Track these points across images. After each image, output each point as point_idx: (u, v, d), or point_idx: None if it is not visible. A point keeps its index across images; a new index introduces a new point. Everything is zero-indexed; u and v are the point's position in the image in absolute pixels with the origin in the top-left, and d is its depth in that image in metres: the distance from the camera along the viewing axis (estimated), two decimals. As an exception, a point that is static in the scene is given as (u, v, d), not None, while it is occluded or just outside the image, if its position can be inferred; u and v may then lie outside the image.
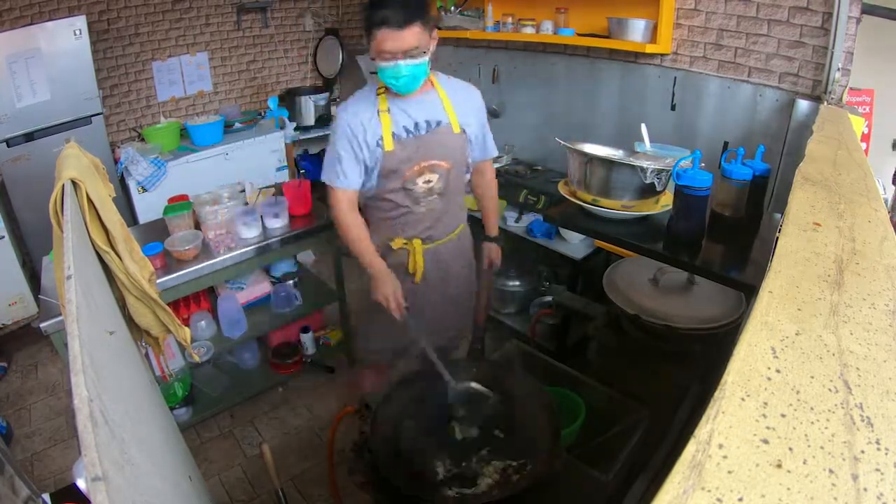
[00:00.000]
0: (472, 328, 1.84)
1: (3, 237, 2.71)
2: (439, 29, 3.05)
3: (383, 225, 1.67)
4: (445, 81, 1.62)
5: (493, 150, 1.77)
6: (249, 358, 2.57)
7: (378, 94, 1.53)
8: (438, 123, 1.55)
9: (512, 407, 1.25)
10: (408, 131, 1.53)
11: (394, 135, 1.51)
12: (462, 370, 1.34)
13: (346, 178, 1.55)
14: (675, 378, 1.39)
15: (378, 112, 1.52)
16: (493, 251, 1.84)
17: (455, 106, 1.58)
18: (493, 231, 1.85)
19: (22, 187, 2.76)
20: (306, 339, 2.58)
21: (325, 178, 1.59)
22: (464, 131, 1.59)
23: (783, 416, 0.42)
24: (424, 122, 1.54)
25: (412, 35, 1.36)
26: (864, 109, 1.88)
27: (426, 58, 1.43)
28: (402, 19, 1.34)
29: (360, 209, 1.64)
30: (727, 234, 1.34)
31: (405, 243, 1.65)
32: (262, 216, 2.20)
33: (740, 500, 0.35)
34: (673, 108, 2.31)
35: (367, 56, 3.76)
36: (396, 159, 1.52)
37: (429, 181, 1.58)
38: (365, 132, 1.51)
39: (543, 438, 1.13)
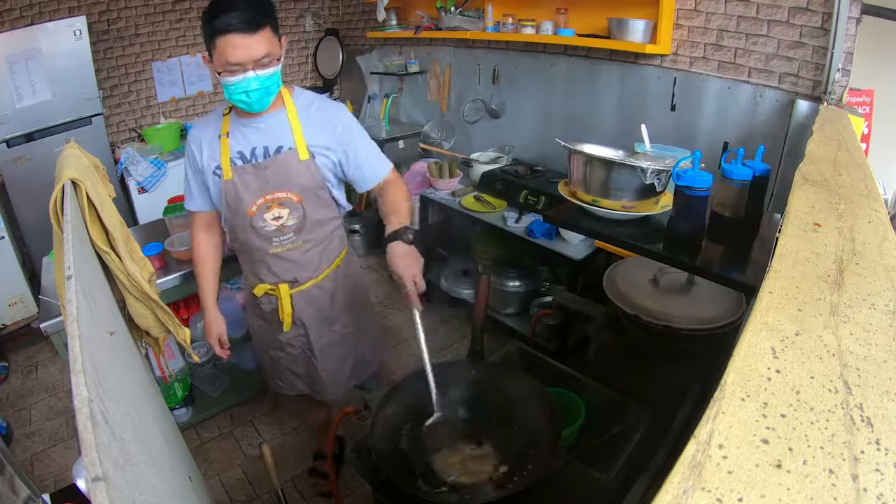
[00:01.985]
0: (471, 330, 1.83)
1: (3, 237, 2.71)
2: (438, 30, 3.07)
3: (245, 268, 1.56)
4: (301, 97, 1.41)
5: (383, 167, 1.47)
6: (249, 358, 2.57)
7: (224, 115, 1.39)
8: (279, 149, 1.36)
9: (512, 407, 1.24)
10: (244, 158, 1.37)
11: (231, 161, 1.36)
12: (462, 373, 1.33)
13: (192, 200, 1.50)
14: (675, 378, 1.39)
15: (219, 136, 1.38)
16: (397, 257, 1.24)
17: (305, 126, 1.37)
18: (393, 225, 1.32)
19: (22, 187, 2.76)
20: (306, 339, 2.58)
21: (187, 204, 1.54)
22: (313, 156, 1.37)
23: (783, 416, 0.42)
24: (262, 147, 1.36)
25: (262, 40, 1.19)
26: (864, 110, 1.88)
27: (278, 67, 1.27)
28: (251, 23, 1.16)
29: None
30: (727, 234, 1.33)
31: (271, 289, 1.51)
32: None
33: (740, 500, 0.35)
34: (673, 108, 2.31)
35: (367, 57, 3.77)
36: (236, 190, 1.37)
37: (278, 217, 1.40)
38: (202, 155, 1.41)
39: (544, 439, 1.13)
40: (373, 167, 1.45)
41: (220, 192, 1.40)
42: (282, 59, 1.28)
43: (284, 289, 1.50)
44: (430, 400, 1.21)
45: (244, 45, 1.18)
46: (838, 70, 1.78)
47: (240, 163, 1.37)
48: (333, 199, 1.48)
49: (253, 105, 1.28)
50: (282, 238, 1.43)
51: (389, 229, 1.31)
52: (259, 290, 1.52)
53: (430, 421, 1.21)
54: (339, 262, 1.58)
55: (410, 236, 1.28)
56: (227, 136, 1.37)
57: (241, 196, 1.38)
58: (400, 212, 1.36)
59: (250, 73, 1.22)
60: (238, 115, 1.37)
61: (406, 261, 1.23)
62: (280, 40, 1.27)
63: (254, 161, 1.37)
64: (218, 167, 1.38)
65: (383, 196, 1.45)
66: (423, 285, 1.23)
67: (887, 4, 1.81)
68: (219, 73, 1.23)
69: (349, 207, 1.56)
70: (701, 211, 1.30)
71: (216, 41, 1.18)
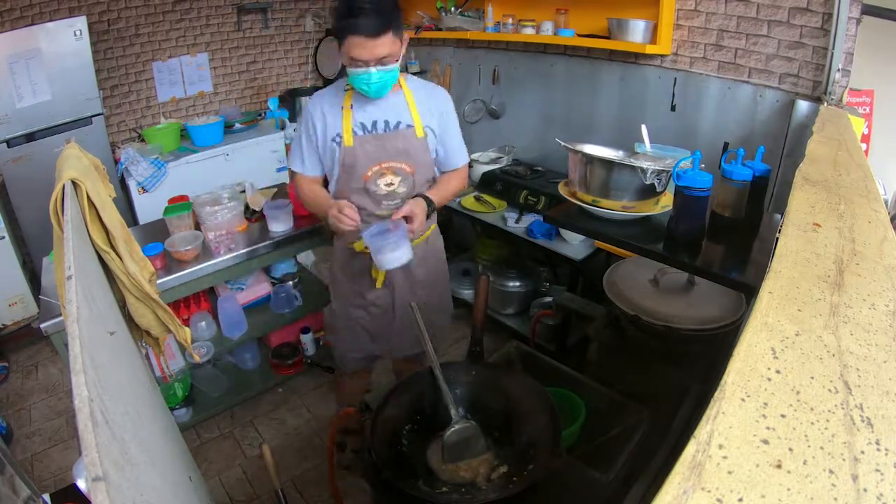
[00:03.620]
0: (471, 330, 1.83)
1: (3, 237, 2.71)
2: (439, 30, 3.07)
3: None
4: (413, 82, 1.60)
5: (462, 158, 1.71)
6: (249, 358, 2.57)
7: (345, 90, 1.53)
8: (398, 125, 1.54)
9: (512, 408, 1.24)
10: (365, 129, 1.52)
11: (353, 131, 1.51)
12: (461, 374, 1.33)
13: (302, 163, 1.59)
14: (675, 379, 1.39)
15: (342, 108, 1.52)
16: (414, 204, 1.54)
17: (419, 107, 1.56)
18: (428, 192, 1.61)
19: (22, 187, 2.76)
20: (306, 339, 2.58)
21: (290, 163, 1.64)
22: (427, 135, 1.57)
23: (783, 416, 0.42)
24: (384, 121, 1.53)
25: (385, 44, 1.35)
26: (865, 110, 1.88)
27: (397, 64, 1.43)
28: (376, 28, 1.32)
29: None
30: (727, 234, 1.34)
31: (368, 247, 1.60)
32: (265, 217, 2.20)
33: (740, 500, 0.35)
34: (673, 108, 2.31)
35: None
36: (355, 156, 1.51)
37: (391, 184, 1.56)
38: (325, 125, 1.52)
39: (544, 439, 1.13)
40: (455, 155, 1.68)
41: (339, 157, 1.52)
42: (402, 55, 1.44)
43: None
44: (438, 404, 1.20)
45: (368, 47, 1.34)
46: (838, 70, 1.78)
47: (360, 133, 1.52)
48: (434, 175, 1.67)
49: (371, 94, 1.45)
50: (390, 203, 1.59)
51: (424, 192, 1.60)
52: (359, 245, 1.62)
53: (449, 431, 1.18)
54: (429, 233, 1.75)
55: (432, 205, 1.59)
56: (351, 108, 1.51)
57: (358, 161, 1.52)
58: (441, 190, 1.65)
59: (372, 69, 1.38)
60: (357, 92, 1.49)
61: (416, 206, 1.52)
62: (402, 40, 1.43)
63: (374, 132, 1.52)
64: (338, 135, 1.51)
65: (446, 176, 1.70)
66: (415, 222, 1.50)
67: (887, 4, 1.80)
68: (344, 64, 1.42)
69: None
70: (701, 211, 1.30)
71: (345, 38, 1.35)
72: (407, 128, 1.54)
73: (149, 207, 2.91)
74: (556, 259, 2.51)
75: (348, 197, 1.57)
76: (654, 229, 1.41)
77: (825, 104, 1.74)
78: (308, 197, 1.63)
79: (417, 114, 1.55)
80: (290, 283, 2.51)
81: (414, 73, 3.42)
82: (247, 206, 2.28)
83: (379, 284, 1.69)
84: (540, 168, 2.84)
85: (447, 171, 1.70)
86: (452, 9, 2.95)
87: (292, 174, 1.67)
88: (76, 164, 1.08)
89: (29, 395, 2.58)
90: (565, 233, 2.44)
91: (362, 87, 1.43)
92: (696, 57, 2.19)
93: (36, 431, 2.35)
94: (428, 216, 1.57)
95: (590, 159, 1.40)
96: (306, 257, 3.23)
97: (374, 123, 1.52)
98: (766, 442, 0.40)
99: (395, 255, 1.45)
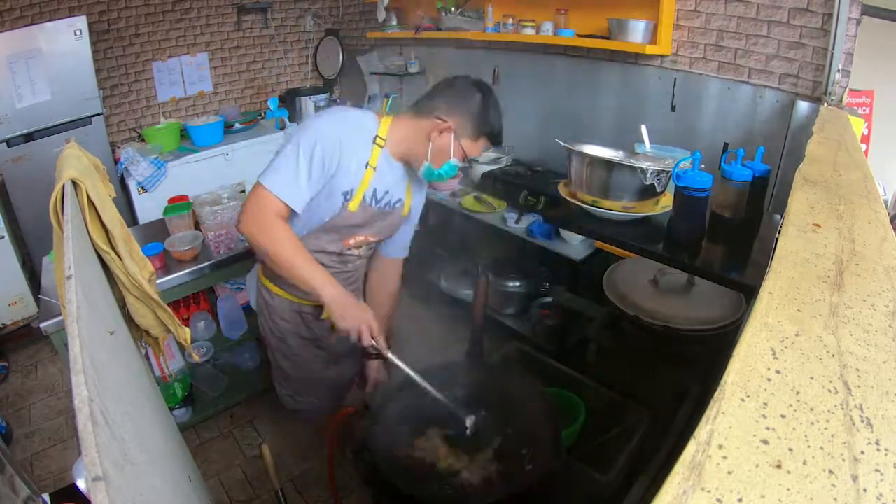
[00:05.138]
0: (470, 330, 1.83)
1: (3, 237, 2.71)
2: (439, 30, 3.07)
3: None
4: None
5: (406, 249, 1.60)
6: (249, 358, 2.56)
7: (376, 143, 1.32)
8: (398, 202, 1.42)
9: (512, 408, 1.24)
10: (374, 199, 1.36)
11: (364, 195, 1.33)
12: (461, 374, 1.33)
13: (295, 194, 1.24)
14: (674, 379, 1.40)
15: (367, 165, 1.31)
16: (374, 371, 1.57)
17: (413, 189, 1.46)
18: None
19: (22, 187, 2.76)
20: (306, 339, 2.58)
21: (268, 180, 1.23)
22: (407, 215, 1.48)
23: (783, 416, 0.42)
24: (391, 195, 1.39)
25: None
26: (864, 110, 1.88)
27: None
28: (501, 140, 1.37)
29: None
30: (727, 235, 1.34)
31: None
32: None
33: (740, 500, 0.35)
34: (673, 109, 2.31)
35: (367, 57, 3.77)
36: (351, 223, 1.36)
37: (360, 256, 1.49)
38: (341, 170, 1.27)
39: (544, 439, 1.13)
40: (405, 243, 1.58)
41: (335, 212, 1.33)
42: None
43: None
44: (438, 404, 1.20)
45: (482, 151, 1.34)
46: (838, 71, 1.78)
47: (367, 202, 1.35)
48: None
49: (436, 178, 1.34)
50: (357, 262, 1.50)
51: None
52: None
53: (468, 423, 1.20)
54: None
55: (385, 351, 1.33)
56: (375, 169, 1.32)
57: (351, 229, 1.38)
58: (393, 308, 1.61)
59: (463, 164, 1.34)
60: (392, 155, 1.36)
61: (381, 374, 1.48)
62: None
63: (374, 205, 1.36)
64: (350, 193, 1.31)
65: (383, 275, 1.60)
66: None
67: (887, 5, 1.81)
68: (457, 154, 1.31)
69: None
70: (701, 211, 1.30)
71: (481, 140, 1.31)
72: (399, 205, 1.42)
73: (149, 207, 2.91)
74: (556, 259, 2.51)
75: (311, 246, 1.37)
76: (654, 229, 1.41)
77: (825, 105, 1.74)
78: (287, 248, 1.24)
79: (410, 195, 1.46)
80: (290, 283, 2.51)
81: (414, 74, 3.43)
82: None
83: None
84: (540, 168, 2.84)
85: (391, 258, 1.58)
86: (452, 9, 2.95)
87: (266, 197, 1.23)
88: (76, 163, 1.08)
89: (29, 394, 2.58)
90: (565, 233, 2.44)
91: (439, 174, 1.32)
92: (696, 57, 2.19)
93: (36, 431, 2.35)
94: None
95: (590, 159, 1.40)
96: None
97: (384, 195, 1.37)
98: (765, 442, 0.40)
99: None
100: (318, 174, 1.25)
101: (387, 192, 1.36)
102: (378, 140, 1.31)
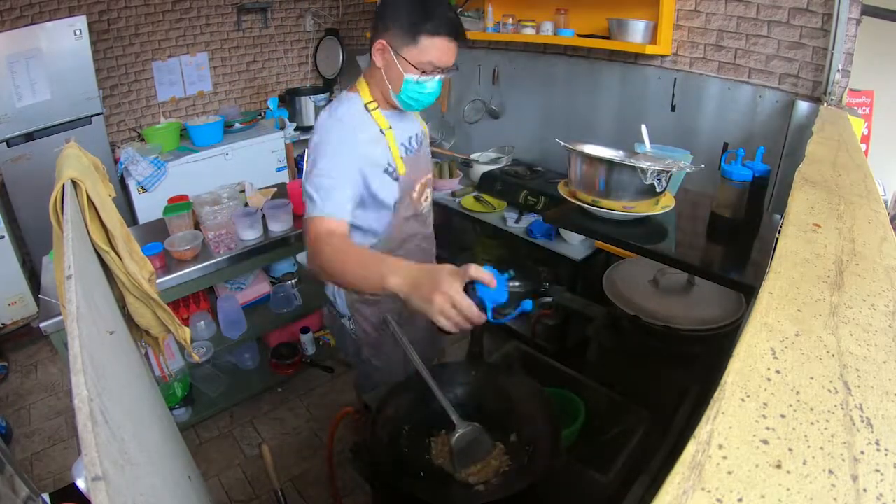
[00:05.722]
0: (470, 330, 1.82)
1: (3, 237, 2.71)
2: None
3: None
4: None
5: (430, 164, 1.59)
6: (249, 358, 2.57)
7: (371, 110, 1.29)
8: (420, 132, 1.45)
9: (512, 408, 1.24)
10: (407, 149, 1.36)
11: (400, 156, 1.33)
12: (461, 374, 1.33)
13: (335, 204, 1.19)
14: (674, 379, 1.39)
15: (381, 131, 1.30)
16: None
17: (420, 114, 1.47)
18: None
19: (22, 187, 2.76)
20: (306, 339, 2.58)
21: (306, 211, 1.20)
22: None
23: (783, 416, 0.42)
24: (416, 134, 1.41)
25: (456, 50, 1.22)
26: (864, 111, 1.88)
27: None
28: (459, 31, 1.18)
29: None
30: (727, 235, 1.34)
31: None
32: (264, 217, 2.20)
33: (740, 500, 0.35)
34: (673, 108, 2.31)
35: (368, 57, 3.77)
36: (411, 182, 1.36)
37: (427, 197, 1.46)
38: (368, 158, 1.27)
39: (543, 439, 1.13)
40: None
41: (396, 190, 1.31)
42: None
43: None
44: (437, 403, 1.19)
45: (449, 51, 1.19)
46: (838, 71, 1.78)
47: (405, 155, 1.34)
48: None
49: (417, 105, 1.28)
50: (430, 216, 1.49)
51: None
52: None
53: (455, 437, 1.15)
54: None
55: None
56: (391, 128, 1.30)
57: (413, 187, 1.36)
58: None
59: (437, 77, 1.23)
60: (384, 107, 1.32)
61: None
62: None
63: (412, 154, 1.37)
64: (391, 165, 1.29)
65: None
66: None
67: (887, 5, 1.81)
68: (407, 70, 1.19)
69: None
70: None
71: (421, 39, 1.16)
72: (423, 136, 1.45)
73: (148, 207, 2.91)
74: (556, 259, 2.51)
75: (404, 230, 1.39)
76: (654, 229, 1.41)
77: (825, 104, 1.74)
78: (352, 258, 1.10)
79: (420, 119, 1.48)
80: (290, 282, 2.51)
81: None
82: (246, 206, 2.28)
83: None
84: (540, 168, 2.84)
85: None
86: (452, 9, 2.94)
87: (312, 223, 1.18)
88: (76, 163, 1.08)
89: (28, 394, 2.58)
90: (565, 233, 2.44)
91: (415, 97, 1.24)
92: (696, 57, 2.19)
93: (35, 431, 2.35)
94: None
95: (590, 159, 1.40)
96: (306, 257, 3.24)
97: (411, 139, 1.37)
98: (765, 442, 0.40)
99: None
100: (350, 175, 1.23)
101: (410, 137, 1.38)
102: (369, 105, 1.29)
